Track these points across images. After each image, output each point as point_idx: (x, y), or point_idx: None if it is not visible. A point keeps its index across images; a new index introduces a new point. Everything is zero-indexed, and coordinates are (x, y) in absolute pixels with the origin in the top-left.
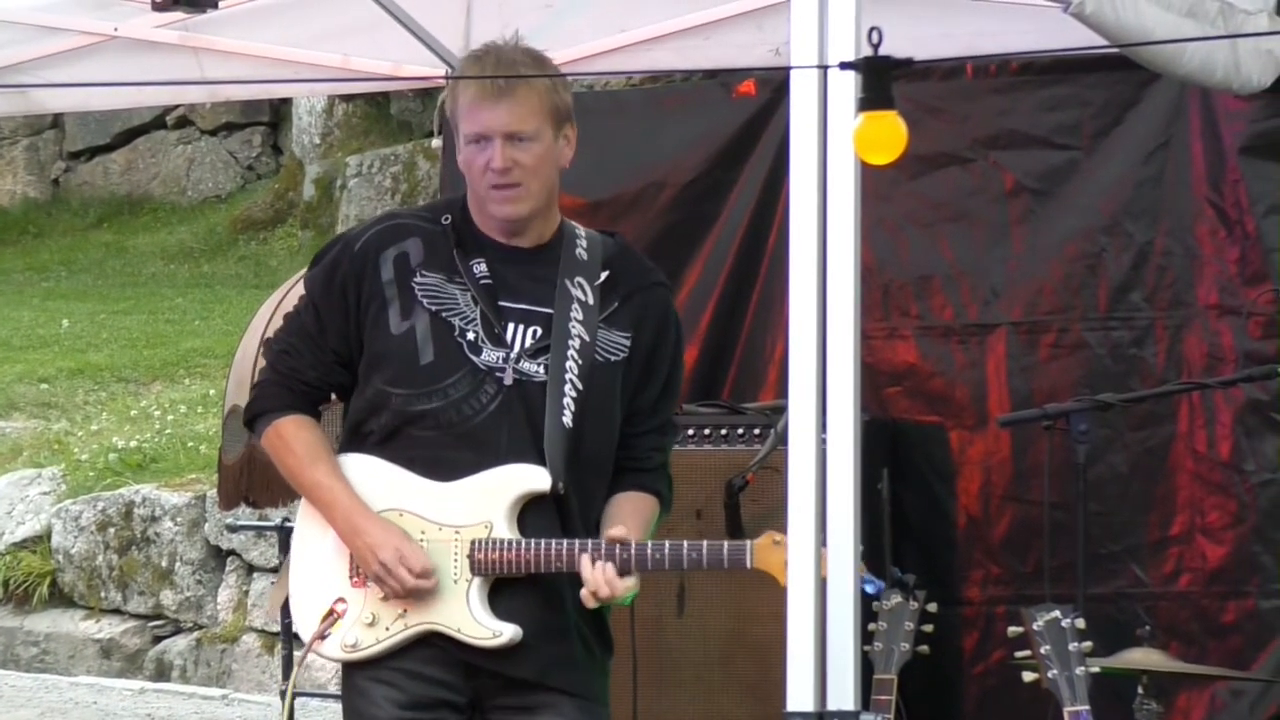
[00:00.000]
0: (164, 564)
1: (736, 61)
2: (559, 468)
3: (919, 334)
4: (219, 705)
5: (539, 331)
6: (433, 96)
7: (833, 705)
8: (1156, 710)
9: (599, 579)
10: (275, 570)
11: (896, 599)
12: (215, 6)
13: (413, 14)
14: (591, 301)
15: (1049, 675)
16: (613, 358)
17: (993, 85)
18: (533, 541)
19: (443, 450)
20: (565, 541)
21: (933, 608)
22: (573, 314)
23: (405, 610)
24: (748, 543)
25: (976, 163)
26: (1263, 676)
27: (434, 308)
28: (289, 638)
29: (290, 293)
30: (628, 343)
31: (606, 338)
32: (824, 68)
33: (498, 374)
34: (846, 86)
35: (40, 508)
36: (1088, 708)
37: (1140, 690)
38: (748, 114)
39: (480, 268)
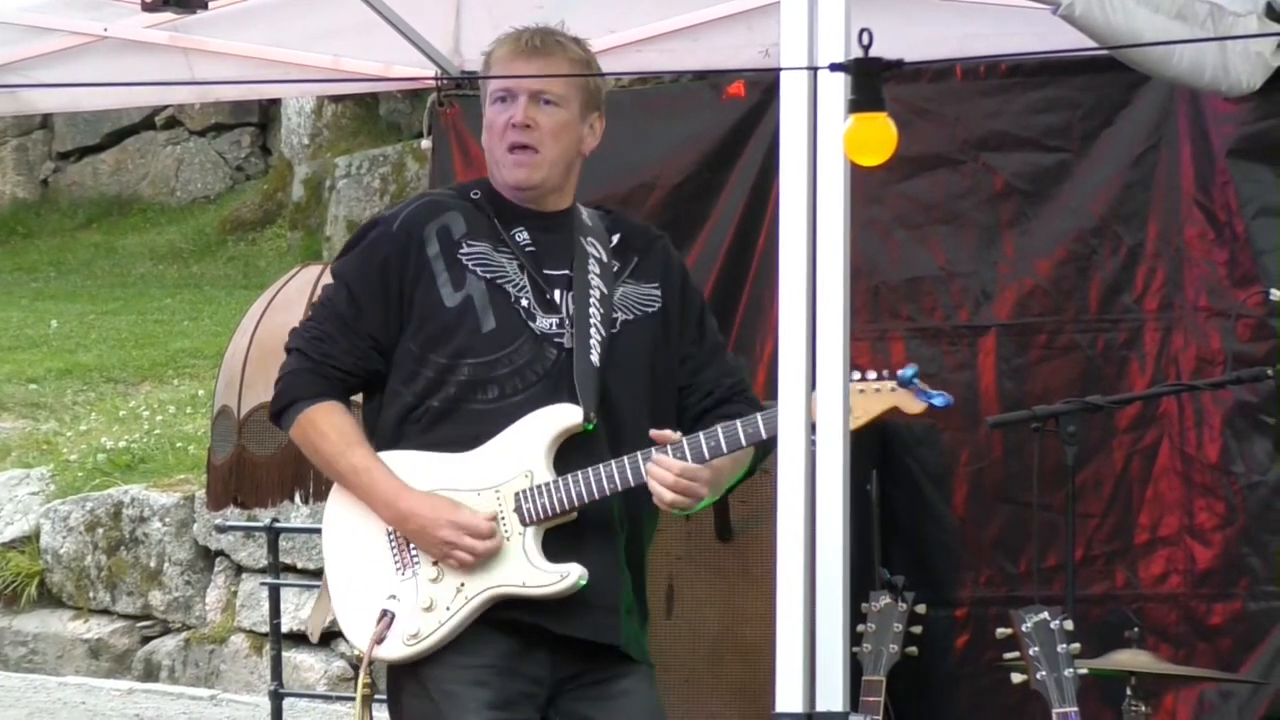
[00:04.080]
0: (152, 564)
1: (726, 63)
2: (591, 402)
3: (909, 336)
4: (207, 705)
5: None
6: (422, 98)
7: (821, 706)
8: (1145, 712)
9: (676, 471)
10: (264, 571)
11: (885, 600)
12: (205, 7)
13: (403, 15)
14: (605, 259)
15: (1038, 677)
16: (649, 309)
17: (982, 87)
18: (577, 473)
19: (502, 420)
20: (613, 461)
21: (922, 609)
22: (590, 269)
23: (462, 584)
24: None
25: (966, 164)
26: (1251, 679)
27: (488, 275)
28: (278, 639)
29: (280, 292)
30: (658, 292)
31: (636, 292)
32: (814, 69)
33: (556, 339)
34: (836, 88)
35: (29, 508)
36: (1076, 709)
37: (1128, 692)
38: (737, 115)
39: (523, 236)
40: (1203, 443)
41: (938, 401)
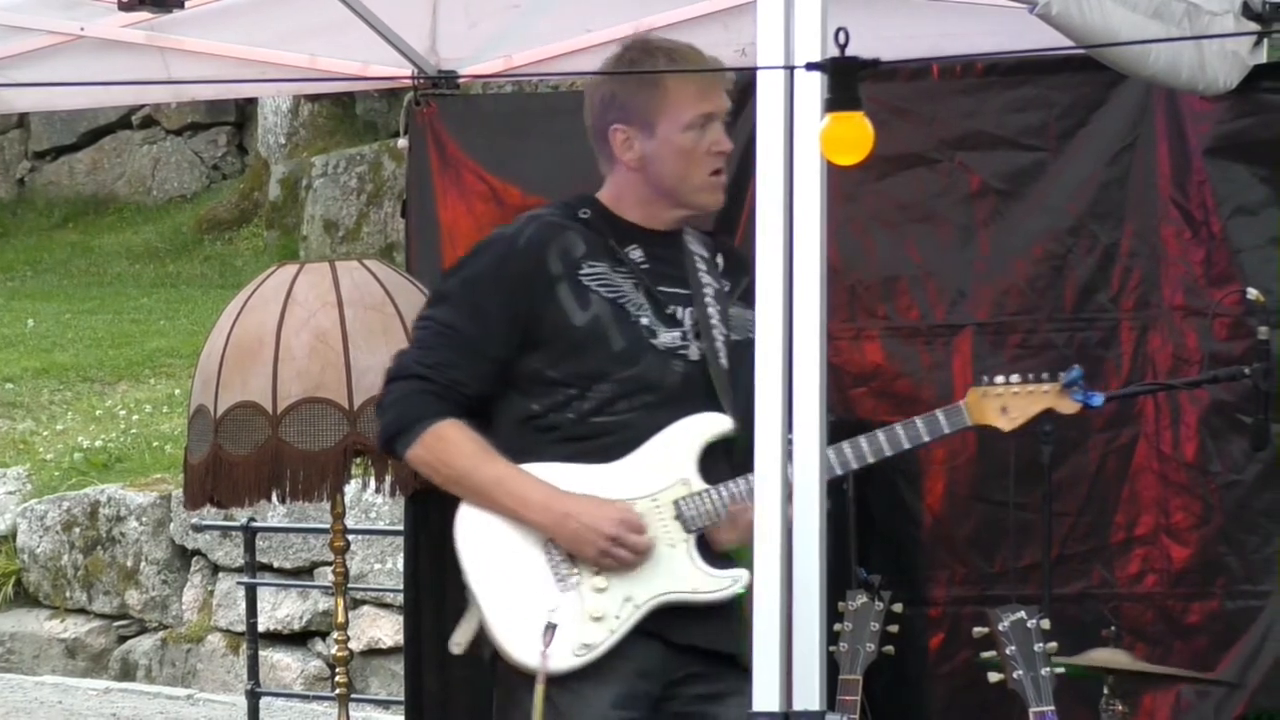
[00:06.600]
0: (129, 564)
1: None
2: (732, 407)
3: (885, 335)
4: (184, 705)
5: (694, 312)
6: (399, 97)
7: (798, 705)
8: (1122, 711)
9: None
10: (240, 570)
11: (862, 599)
12: (181, 6)
13: (379, 14)
14: (716, 279)
15: (1014, 676)
16: (753, 334)
17: (959, 86)
18: (733, 482)
19: (630, 433)
20: None
21: (898, 608)
22: (705, 285)
23: (630, 593)
24: (960, 404)
25: (943, 164)
26: (1228, 679)
27: (610, 295)
28: (255, 638)
29: (257, 291)
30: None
31: (742, 316)
32: (790, 68)
33: (680, 352)
34: (813, 87)
35: (5, 507)
36: (1053, 708)
37: (1105, 691)
38: None
39: (638, 253)
40: (1179, 442)
41: (1095, 401)
